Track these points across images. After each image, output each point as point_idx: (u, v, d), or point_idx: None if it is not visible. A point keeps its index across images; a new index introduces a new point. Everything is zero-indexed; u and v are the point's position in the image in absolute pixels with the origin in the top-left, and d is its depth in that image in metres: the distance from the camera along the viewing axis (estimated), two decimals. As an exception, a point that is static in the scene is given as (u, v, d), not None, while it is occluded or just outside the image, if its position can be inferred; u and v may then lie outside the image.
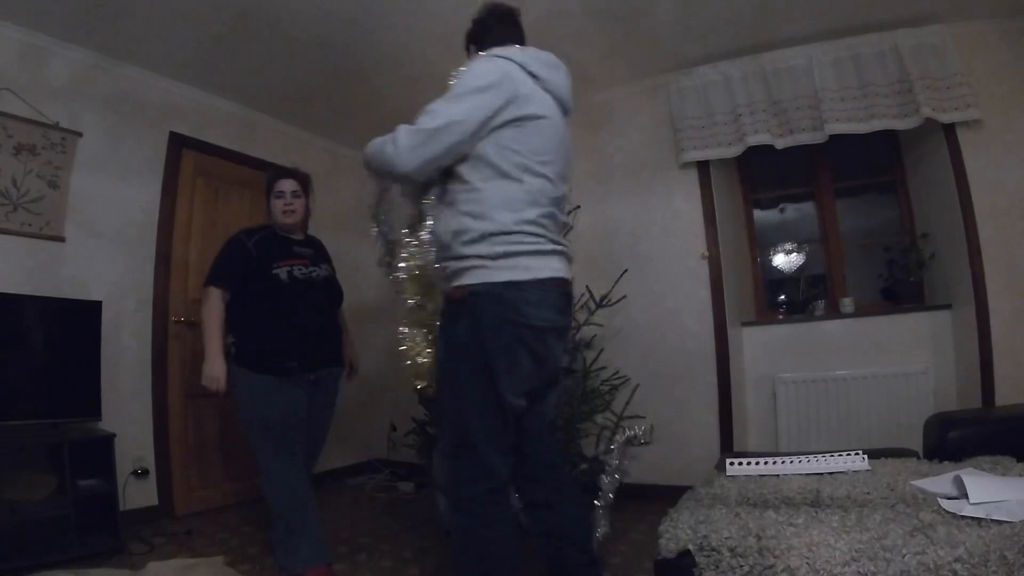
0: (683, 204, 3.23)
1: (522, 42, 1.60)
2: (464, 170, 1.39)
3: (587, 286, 2.91)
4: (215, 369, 2.08)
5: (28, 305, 2.43)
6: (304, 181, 2.34)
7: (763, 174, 3.51)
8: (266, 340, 2.13)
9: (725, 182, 3.32)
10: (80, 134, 2.74)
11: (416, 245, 2.08)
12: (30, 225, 2.56)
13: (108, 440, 2.41)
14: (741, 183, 3.49)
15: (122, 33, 2.68)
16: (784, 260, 3.39)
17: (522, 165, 1.39)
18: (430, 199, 1.56)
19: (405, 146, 1.39)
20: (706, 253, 3.14)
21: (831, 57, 2.88)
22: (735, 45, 3.01)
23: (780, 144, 2.99)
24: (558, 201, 1.48)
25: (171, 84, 3.13)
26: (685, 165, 3.21)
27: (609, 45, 3.00)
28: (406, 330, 2.22)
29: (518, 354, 1.36)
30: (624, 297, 3.03)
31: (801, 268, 3.33)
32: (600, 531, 2.10)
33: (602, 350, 3.01)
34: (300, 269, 2.22)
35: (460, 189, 1.40)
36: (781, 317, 3.27)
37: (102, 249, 2.80)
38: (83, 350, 2.50)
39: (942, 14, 2.72)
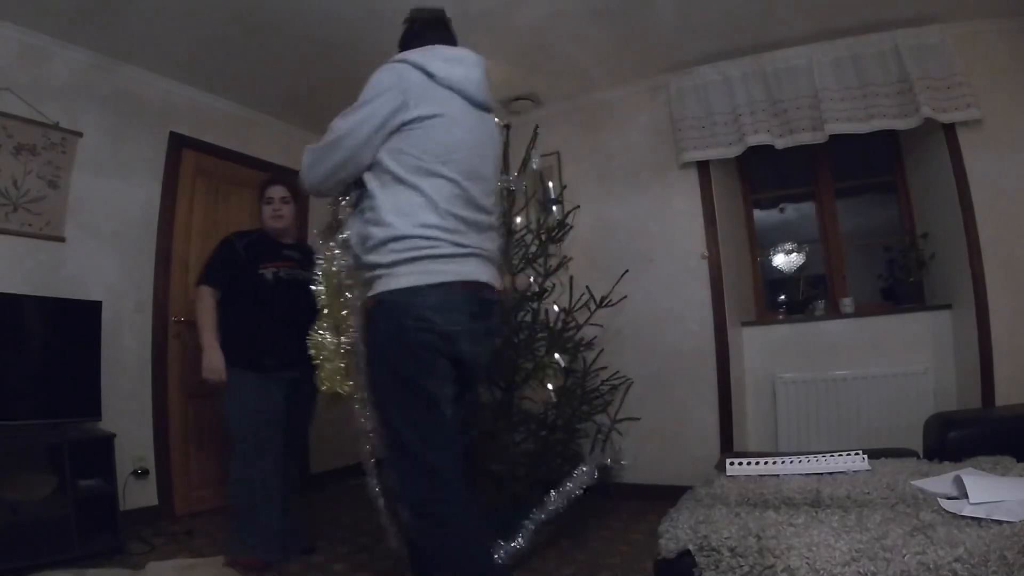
0: (683, 204, 3.23)
1: (452, 44, 1.61)
2: (367, 178, 1.40)
3: (587, 286, 2.91)
4: (214, 361, 2.22)
5: (28, 305, 2.43)
6: (294, 187, 2.39)
7: (763, 174, 3.51)
8: (247, 337, 2.27)
9: (725, 182, 3.32)
10: (80, 134, 2.74)
11: (329, 251, 2.10)
12: (30, 225, 2.56)
13: (108, 440, 2.41)
14: (741, 183, 3.49)
15: (122, 33, 2.68)
16: (784, 260, 3.40)
17: (418, 168, 1.36)
18: (346, 207, 1.56)
19: (305, 164, 1.45)
20: (706, 253, 3.14)
21: (831, 57, 2.88)
22: (735, 45, 3.01)
23: (780, 144, 2.99)
24: (470, 200, 1.41)
25: (171, 84, 3.13)
26: (685, 165, 3.21)
27: (609, 45, 3.00)
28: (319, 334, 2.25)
29: (431, 358, 1.35)
30: (624, 297, 3.03)
31: (801, 268, 3.33)
32: (523, 539, 1.88)
33: (602, 350, 3.01)
34: (286, 270, 2.34)
35: (365, 196, 1.41)
36: (781, 317, 3.27)
37: (102, 249, 2.80)
38: (83, 350, 2.50)
39: (942, 14, 2.72)
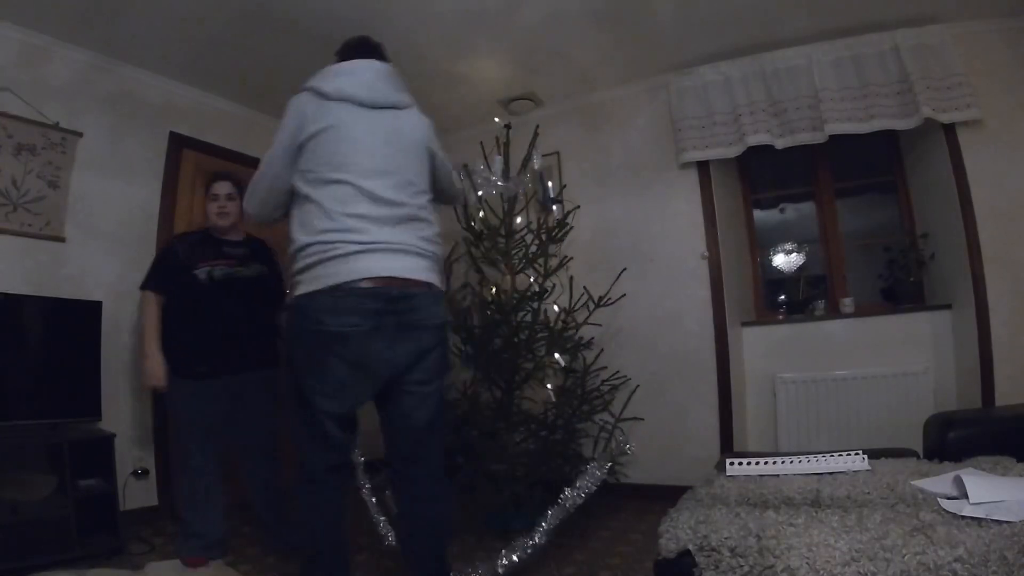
0: (683, 204, 3.23)
1: (371, 58, 1.72)
2: (292, 199, 1.57)
3: (584, 287, 2.91)
4: (151, 367, 2.20)
5: (28, 305, 2.43)
6: (240, 183, 2.35)
7: (763, 174, 3.51)
8: (181, 342, 2.23)
9: (725, 182, 3.33)
10: (80, 134, 2.74)
11: None
12: (30, 225, 2.56)
13: (108, 440, 2.41)
14: (741, 183, 3.49)
15: (122, 33, 2.68)
16: (784, 260, 3.40)
17: (316, 180, 1.48)
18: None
19: (245, 198, 1.66)
20: (706, 253, 3.14)
21: (831, 57, 2.88)
22: (735, 45, 3.01)
23: (780, 144, 2.99)
24: (374, 198, 1.48)
25: (171, 84, 3.13)
26: (685, 165, 3.21)
27: (609, 45, 3.00)
28: None
29: (325, 361, 1.43)
30: (624, 296, 3.03)
31: (801, 268, 3.33)
32: (532, 541, 1.97)
33: (602, 350, 3.01)
34: (221, 269, 2.27)
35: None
36: (781, 317, 3.27)
37: (102, 249, 2.80)
38: (83, 350, 2.50)
39: (942, 14, 2.72)
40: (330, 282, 1.41)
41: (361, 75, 1.59)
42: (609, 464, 2.24)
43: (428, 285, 1.53)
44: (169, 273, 2.27)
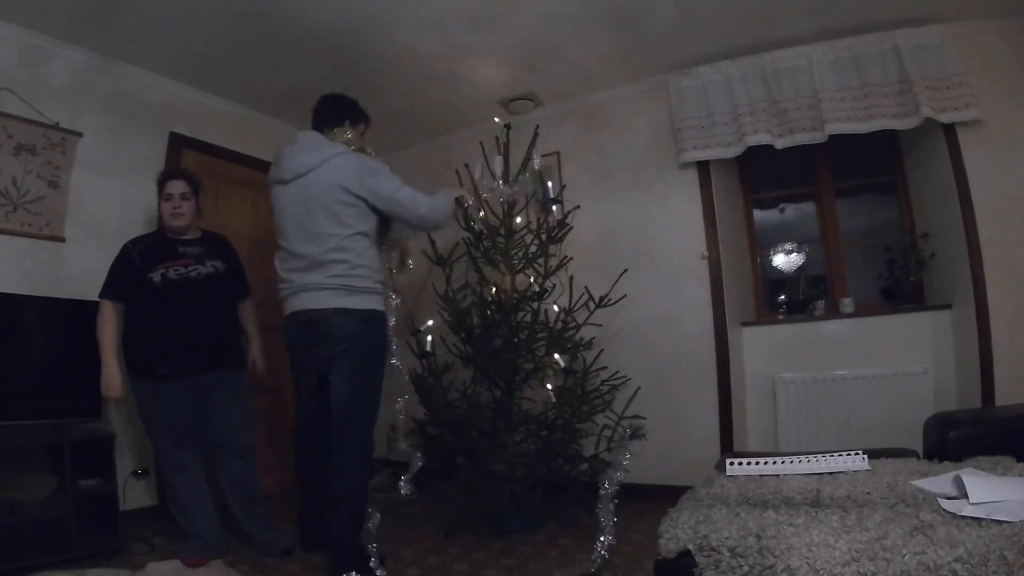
0: (683, 204, 3.23)
1: (318, 126, 2.37)
2: None
3: (585, 287, 2.91)
4: (108, 377, 2.17)
5: (28, 305, 2.43)
6: (194, 181, 2.37)
7: (763, 174, 3.51)
8: (140, 346, 2.22)
9: (725, 182, 3.33)
10: (80, 134, 2.74)
11: None
12: (30, 225, 2.56)
13: (108, 440, 2.41)
14: (741, 183, 3.49)
15: (122, 33, 2.68)
16: (784, 260, 3.40)
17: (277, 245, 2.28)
18: None
19: None
20: (706, 253, 3.14)
21: (831, 57, 2.88)
22: (735, 45, 3.01)
23: (780, 144, 2.99)
24: (293, 254, 2.20)
25: (171, 84, 3.13)
26: (685, 165, 3.21)
27: (609, 45, 3.00)
28: None
29: (293, 361, 2.34)
30: (624, 297, 3.03)
31: (801, 268, 3.33)
32: (606, 539, 2.19)
33: (602, 350, 3.01)
34: (177, 270, 2.24)
35: None
36: (781, 317, 3.27)
37: (102, 249, 2.79)
38: (83, 350, 2.50)
39: (942, 14, 2.72)
40: (285, 314, 2.26)
41: (283, 158, 2.24)
42: (628, 456, 2.41)
43: (335, 310, 2.12)
44: (125, 279, 2.23)
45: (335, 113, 2.34)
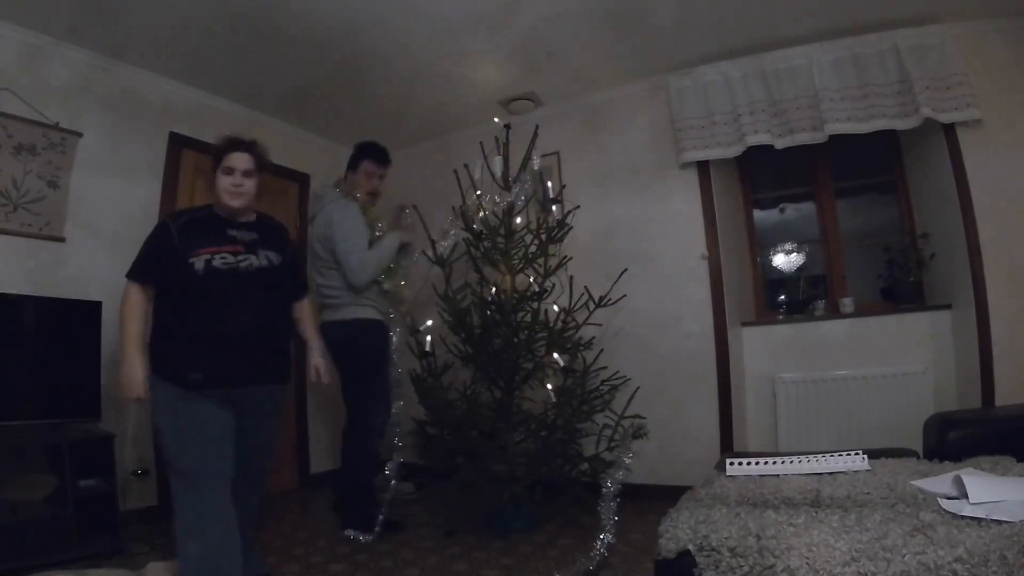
0: (683, 204, 3.23)
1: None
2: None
3: (585, 286, 2.91)
4: (128, 375, 1.73)
5: (28, 305, 2.43)
6: (261, 157, 1.95)
7: (763, 174, 3.51)
8: (172, 343, 1.78)
9: (725, 182, 3.33)
10: (80, 134, 2.74)
11: None
12: (30, 225, 2.56)
13: (108, 440, 2.41)
14: (741, 183, 3.49)
15: (122, 33, 2.68)
16: (784, 260, 3.40)
17: None
18: None
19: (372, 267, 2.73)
20: (706, 253, 3.14)
21: (831, 57, 2.88)
22: (735, 45, 3.01)
23: (780, 144, 2.99)
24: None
25: (171, 84, 3.13)
26: (685, 165, 3.21)
27: (609, 45, 3.00)
28: None
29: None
30: (624, 297, 3.03)
31: (801, 268, 3.33)
32: (606, 539, 2.19)
33: (602, 350, 3.01)
34: (224, 257, 1.81)
35: None
36: (781, 317, 3.27)
37: (102, 249, 2.80)
38: (83, 350, 2.50)
39: (942, 14, 2.72)
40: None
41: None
42: (630, 455, 2.45)
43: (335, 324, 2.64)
44: (160, 260, 1.81)
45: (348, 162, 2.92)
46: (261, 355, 1.85)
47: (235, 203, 1.88)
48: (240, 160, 1.89)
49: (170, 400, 1.73)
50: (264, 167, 1.97)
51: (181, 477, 1.70)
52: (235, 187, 1.87)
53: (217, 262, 1.79)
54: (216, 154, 1.91)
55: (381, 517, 2.61)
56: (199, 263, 1.77)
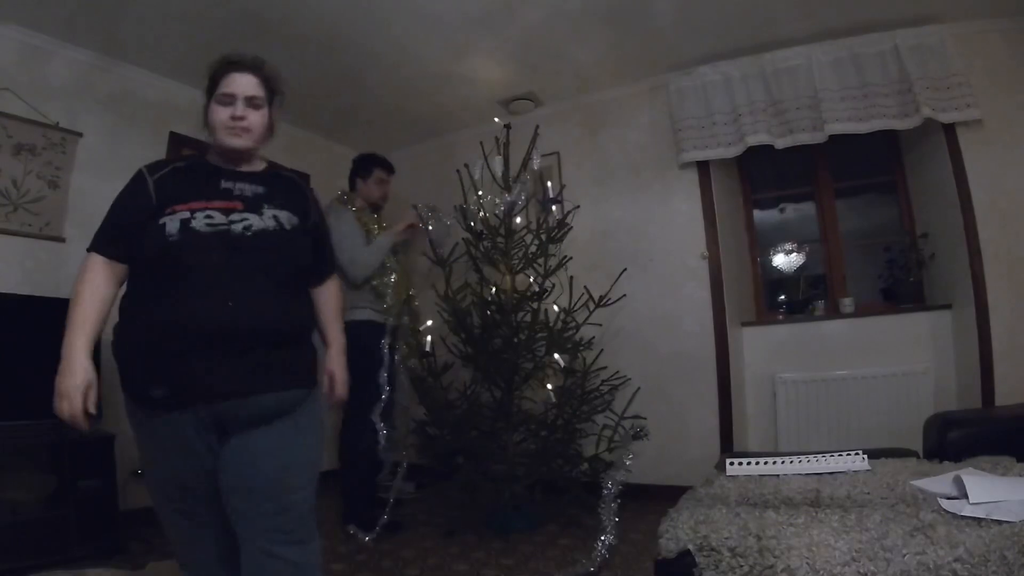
0: (683, 204, 3.23)
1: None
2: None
3: (585, 287, 2.91)
4: (66, 383, 1.15)
5: (28, 305, 2.43)
6: (273, 83, 1.41)
7: (763, 174, 3.51)
8: (130, 344, 1.24)
9: (725, 182, 3.32)
10: (80, 134, 2.74)
11: None
12: (30, 225, 2.56)
13: (108, 440, 2.41)
14: (741, 183, 3.49)
15: (122, 33, 2.68)
16: (784, 260, 3.39)
17: None
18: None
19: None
20: (706, 253, 3.14)
21: (831, 57, 2.88)
22: (735, 45, 3.01)
23: (780, 144, 2.99)
24: None
25: (171, 84, 3.13)
26: (685, 165, 3.21)
27: (609, 45, 3.00)
28: None
29: None
30: (624, 296, 3.02)
31: (801, 268, 3.33)
32: (606, 539, 2.21)
33: (602, 350, 3.01)
34: (210, 216, 1.24)
35: None
36: (781, 317, 3.27)
37: (102, 249, 2.80)
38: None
39: (942, 14, 2.72)
40: None
41: None
42: (631, 456, 2.45)
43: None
44: (133, 223, 1.25)
45: None
46: (260, 354, 1.24)
47: (235, 142, 1.33)
48: (243, 83, 1.34)
49: (137, 433, 1.29)
50: (277, 97, 1.43)
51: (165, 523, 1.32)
52: (235, 121, 1.32)
53: (198, 222, 1.22)
54: (211, 79, 1.37)
55: (385, 518, 2.64)
56: (172, 224, 1.21)
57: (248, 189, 1.35)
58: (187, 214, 1.24)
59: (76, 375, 1.17)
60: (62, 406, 1.16)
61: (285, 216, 1.34)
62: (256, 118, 1.37)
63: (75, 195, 2.72)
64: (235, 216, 1.27)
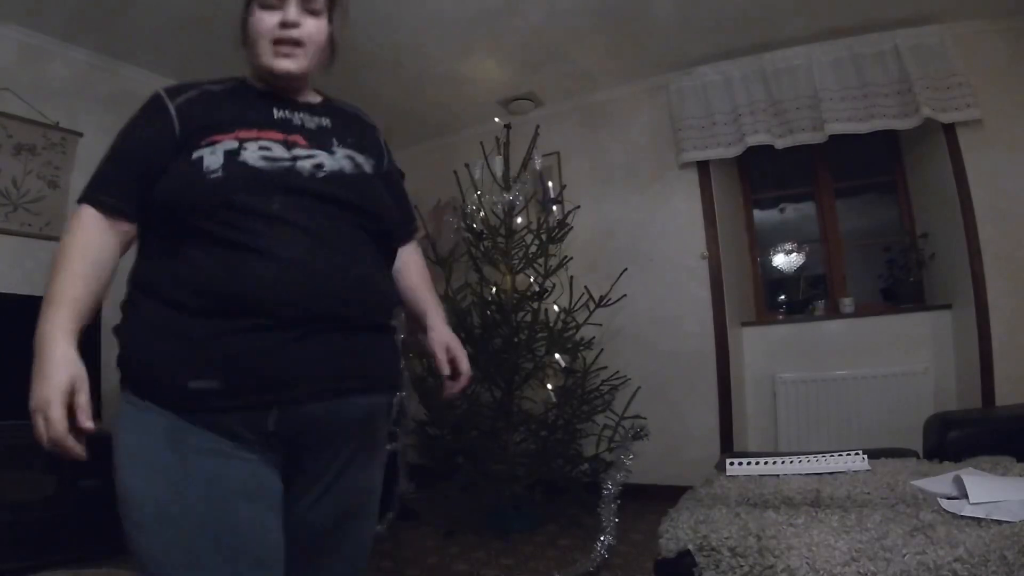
0: (683, 204, 3.23)
1: None
2: None
3: (585, 286, 2.91)
4: (41, 388, 0.86)
5: (28, 305, 2.43)
6: None
7: (763, 174, 3.51)
8: (156, 324, 0.84)
9: (725, 182, 3.33)
10: (80, 134, 2.74)
11: None
12: (30, 225, 2.56)
13: (108, 440, 2.41)
14: (741, 183, 3.49)
15: (122, 33, 2.68)
16: (784, 260, 3.40)
17: None
18: None
19: None
20: (706, 253, 3.14)
21: (831, 57, 2.88)
22: (735, 45, 3.01)
23: (780, 144, 2.99)
24: None
25: (171, 84, 3.13)
26: (685, 165, 3.21)
27: (609, 45, 3.00)
28: None
29: None
30: (624, 296, 3.03)
31: (801, 268, 3.33)
32: (606, 539, 2.21)
33: (602, 350, 3.01)
34: (267, 148, 0.89)
35: None
36: (781, 317, 3.27)
37: (102, 249, 2.80)
38: (83, 350, 2.50)
39: (942, 14, 2.72)
40: None
41: None
42: (631, 456, 2.41)
43: None
44: (148, 164, 0.91)
45: None
46: (348, 338, 0.86)
47: (284, 64, 0.95)
48: None
49: (148, 448, 0.81)
50: (338, 7, 1.02)
51: None
52: (285, 30, 0.93)
53: (251, 154, 0.86)
54: None
55: (391, 514, 2.60)
56: (213, 157, 0.85)
57: (310, 121, 0.98)
58: (233, 144, 0.87)
59: (54, 373, 0.82)
60: (38, 426, 0.80)
61: (363, 159, 0.98)
62: (313, 28, 0.96)
63: (75, 195, 2.66)
64: (299, 152, 0.90)
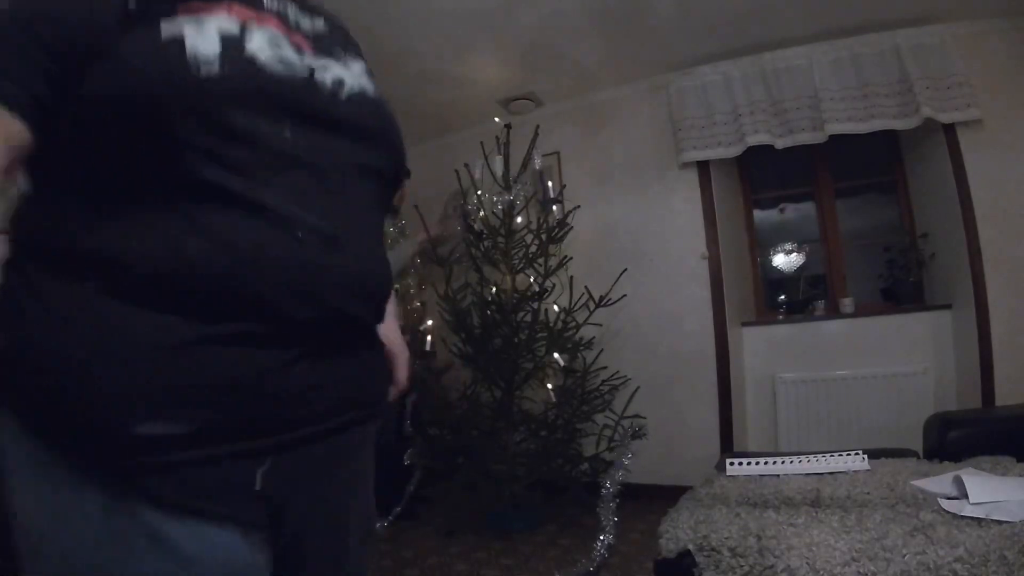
0: (683, 204, 3.23)
1: None
2: None
3: (585, 286, 2.91)
4: None
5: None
6: None
7: (763, 174, 3.51)
8: (90, 321, 0.49)
9: (725, 182, 3.33)
10: (80, 134, 2.74)
11: None
12: (30, 225, 2.56)
13: None
14: (741, 183, 3.49)
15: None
16: (784, 260, 3.40)
17: None
18: None
19: None
20: (706, 253, 3.14)
21: (831, 57, 2.88)
22: (735, 45, 3.01)
23: (780, 144, 2.99)
24: None
25: (171, 84, 3.13)
26: (685, 165, 3.21)
27: (609, 45, 3.00)
28: None
29: None
30: (624, 296, 3.03)
31: (801, 268, 3.33)
32: (606, 539, 2.21)
33: (602, 350, 3.01)
34: (277, 45, 0.58)
35: None
36: (781, 317, 3.27)
37: (102, 249, 2.80)
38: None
39: (942, 14, 2.72)
40: None
41: None
42: (630, 455, 2.43)
43: None
44: (70, 32, 0.50)
45: None
46: (353, 351, 0.65)
47: None
48: None
49: (72, 551, 0.49)
50: None
51: None
52: None
53: (260, 46, 0.56)
54: None
55: (398, 509, 2.61)
56: (202, 39, 0.53)
57: (306, 22, 0.67)
58: (231, 23, 0.56)
59: None
60: None
61: (367, 81, 0.70)
62: None
63: (75, 195, 2.72)
64: (310, 60, 0.62)
